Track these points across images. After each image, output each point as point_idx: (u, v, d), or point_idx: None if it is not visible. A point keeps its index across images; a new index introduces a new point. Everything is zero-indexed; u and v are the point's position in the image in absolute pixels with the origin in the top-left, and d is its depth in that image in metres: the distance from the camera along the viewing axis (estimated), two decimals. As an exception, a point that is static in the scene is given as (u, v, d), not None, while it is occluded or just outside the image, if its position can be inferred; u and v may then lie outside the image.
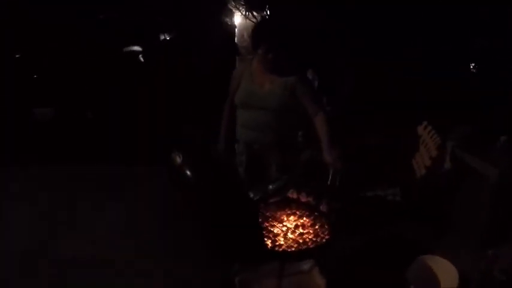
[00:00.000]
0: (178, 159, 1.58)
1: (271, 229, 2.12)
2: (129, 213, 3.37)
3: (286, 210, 2.27)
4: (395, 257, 2.76)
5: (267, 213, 2.24)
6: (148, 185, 3.04)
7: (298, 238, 2.03)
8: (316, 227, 2.12)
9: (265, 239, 2.03)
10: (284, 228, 2.12)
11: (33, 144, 4.45)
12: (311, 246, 1.97)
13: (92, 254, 3.04)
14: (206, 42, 5.96)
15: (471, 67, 6.19)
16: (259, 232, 1.89)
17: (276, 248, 1.96)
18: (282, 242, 2.02)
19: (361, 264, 2.71)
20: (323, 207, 2.23)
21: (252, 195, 2.26)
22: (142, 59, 5.51)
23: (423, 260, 2.21)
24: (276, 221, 2.18)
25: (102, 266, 2.93)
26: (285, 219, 2.21)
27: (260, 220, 2.19)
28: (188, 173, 1.60)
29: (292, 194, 2.29)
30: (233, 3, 5.63)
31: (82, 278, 2.83)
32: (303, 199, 2.26)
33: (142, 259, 3.01)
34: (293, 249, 1.96)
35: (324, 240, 2.01)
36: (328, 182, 2.38)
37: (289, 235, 2.07)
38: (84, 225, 3.44)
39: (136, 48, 6.10)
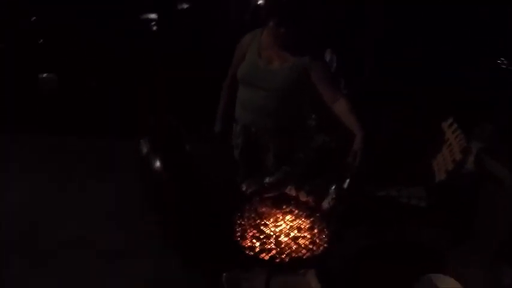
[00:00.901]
0: (145, 149, 1.33)
1: (263, 229, 1.87)
2: (120, 194, 3.20)
3: (284, 208, 2.00)
4: (403, 264, 2.51)
5: (261, 210, 1.98)
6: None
7: (291, 243, 1.77)
8: (315, 231, 1.85)
9: (254, 241, 1.78)
10: (278, 229, 1.86)
11: (35, 111, 4.33)
12: (304, 256, 1.70)
13: (80, 233, 2.90)
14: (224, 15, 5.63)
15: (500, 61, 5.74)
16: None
17: (264, 254, 1.70)
18: (273, 246, 1.76)
19: (364, 270, 2.47)
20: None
21: (244, 187, 1.99)
22: (155, 27, 5.21)
23: (430, 279, 1.96)
24: (269, 219, 1.92)
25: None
26: (280, 217, 1.94)
27: (253, 216, 1.94)
28: (153, 165, 1.34)
29: (290, 191, 2.01)
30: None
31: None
32: (302, 198, 1.98)
33: (128, 241, 2.83)
34: (284, 256, 1.70)
35: (320, 249, 1.73)
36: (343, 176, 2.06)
37: (282, 238, 1.81)
38: (74, 204, 3.30)
39: (153, 16, 5.79)
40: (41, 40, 4.50)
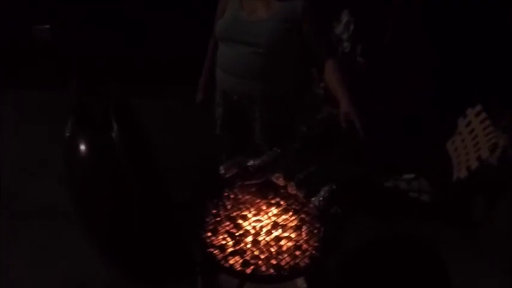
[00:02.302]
0: (68, 131, 1.01)
1: (241, 222, 1.53)
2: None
3: (269, 198, 1.66)
4: (405, 267, 2.22)
5: (241, 198, 1.65)
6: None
7: (270, 245, 1.44)
8: (302, 231, 1.51)
9: (227, 239, 1.45)
10: (258, 225, 1.53)
11: (27, 65, 4.07)
12: (285, 264, 1.36)
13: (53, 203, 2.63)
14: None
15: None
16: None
17: (236, 257, 1.37)
18: (249, 247, 1.43)
19: (361, 274, 2.18)
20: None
21: (223, 170, 1.64)
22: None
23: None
24: (250, 210, 1.59)
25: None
26: (264, 209, 1.61)
27: (229, 206, 1.60)
28: (75, 149, 1.00)
29: (277, 180, 1.66)
30: None
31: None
32: (291, 191, 1.63)
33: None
34: (260, 262, 1.37)
35: (305, 257, 1.40)
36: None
37: (262, 236, 1.47)
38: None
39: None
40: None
